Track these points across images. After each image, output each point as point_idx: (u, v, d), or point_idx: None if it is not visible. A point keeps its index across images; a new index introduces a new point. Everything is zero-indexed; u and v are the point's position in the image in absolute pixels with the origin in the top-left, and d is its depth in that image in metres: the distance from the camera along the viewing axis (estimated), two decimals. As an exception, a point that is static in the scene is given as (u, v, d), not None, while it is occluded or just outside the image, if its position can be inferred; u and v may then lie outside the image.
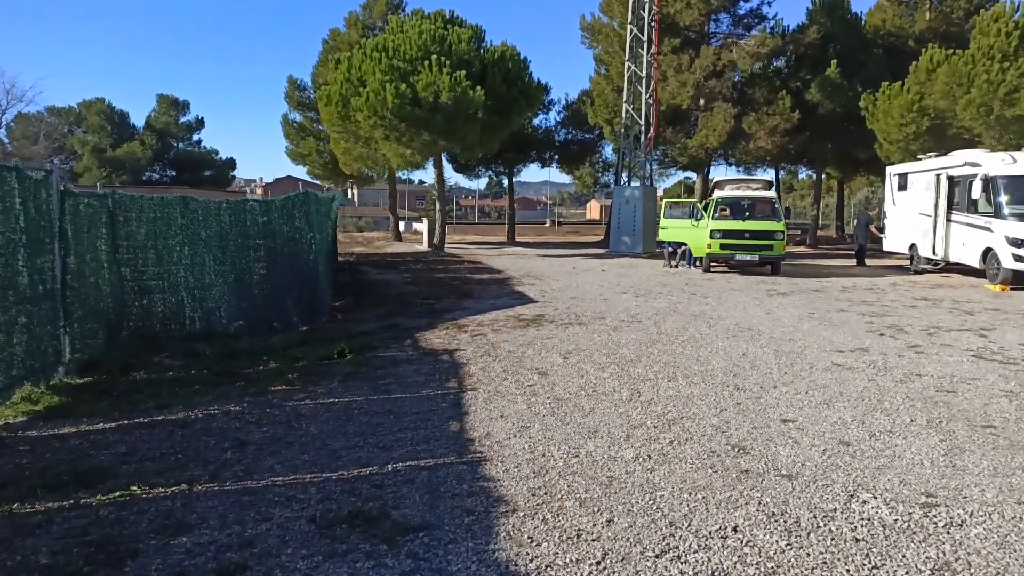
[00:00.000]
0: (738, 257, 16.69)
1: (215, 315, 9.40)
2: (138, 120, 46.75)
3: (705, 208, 17.80)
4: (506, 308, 11.02)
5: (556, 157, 33.86)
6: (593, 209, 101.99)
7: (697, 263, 18.29)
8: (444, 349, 8.00)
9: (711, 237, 16.77)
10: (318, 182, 31.69)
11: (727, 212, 17.48)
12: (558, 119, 33.02)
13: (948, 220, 16.56)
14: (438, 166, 24.00)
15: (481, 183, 76.29)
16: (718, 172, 35.16)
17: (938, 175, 17.02)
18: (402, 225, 40.97)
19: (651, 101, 23.40)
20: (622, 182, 24.52)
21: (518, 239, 33.87)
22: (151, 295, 8.88)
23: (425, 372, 6.85)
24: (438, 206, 24.17)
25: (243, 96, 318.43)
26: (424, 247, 25.99)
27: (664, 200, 20.39)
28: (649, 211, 22.97)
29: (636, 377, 6.40)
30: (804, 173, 53.75)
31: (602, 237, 36.34)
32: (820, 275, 17.29)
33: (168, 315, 9.01)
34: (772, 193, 17.80)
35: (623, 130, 24.35)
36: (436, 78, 19.88)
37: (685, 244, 18.56)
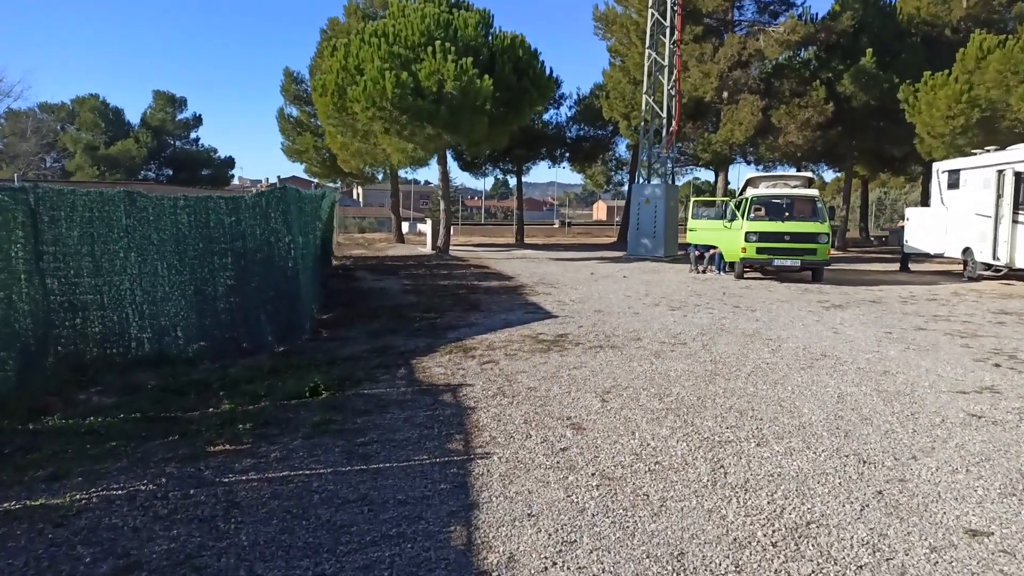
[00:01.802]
0: (777, 262, 14.92)
1: (169, 335, 7.73)
2: (133, 117, 45.32)
3: (738, 207, 16.04)
4: (521, 325, 9.30)
5: (567, 155, 32.16)
6: (600, 210, 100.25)
7: (728, 269, 16.55)
8: (446, 384, 6.29)
9: (746, 240, 15.02)
10: (316, 180, 30.03)
11: (762, 212, 15.73)
12: (569, 115, 31.41)
13: (1014, 221, 14.74)
14: (442, 163, 22.30)
15: (487, 183, 74.68)
16: (734, 172, 33.36)
17: (1000, 171, 15.19)
18: (406, 226, 39.31)
19: (673, 92, 21.62)
20: (641, 180, 22.71)
21: (527, 241, 32.18)
22: (86, 312, 7.22)
23: (420, 422, 5.15)
24: (442, 206, 22.46)
25: (250, 94, 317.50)
26: (428, 249, 24.33)
27: (692, 199, 18.61)
28: (671, 211, 21.19)
29: (709, 437, 4.67)
30: (817, 173, 51.82)
31: (615, 239, 34.61)
32: (867, 282, 15.50)
33: (108, 337, 7.35)
34: (814, 191, 16.01)
35: (642, 124, 22.56)
36: (440, 66, 18.20)
37: (715, 248, 16.81)
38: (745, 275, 15.88)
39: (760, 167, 37.02)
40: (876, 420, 4.97)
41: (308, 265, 10.35)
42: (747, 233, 15.00)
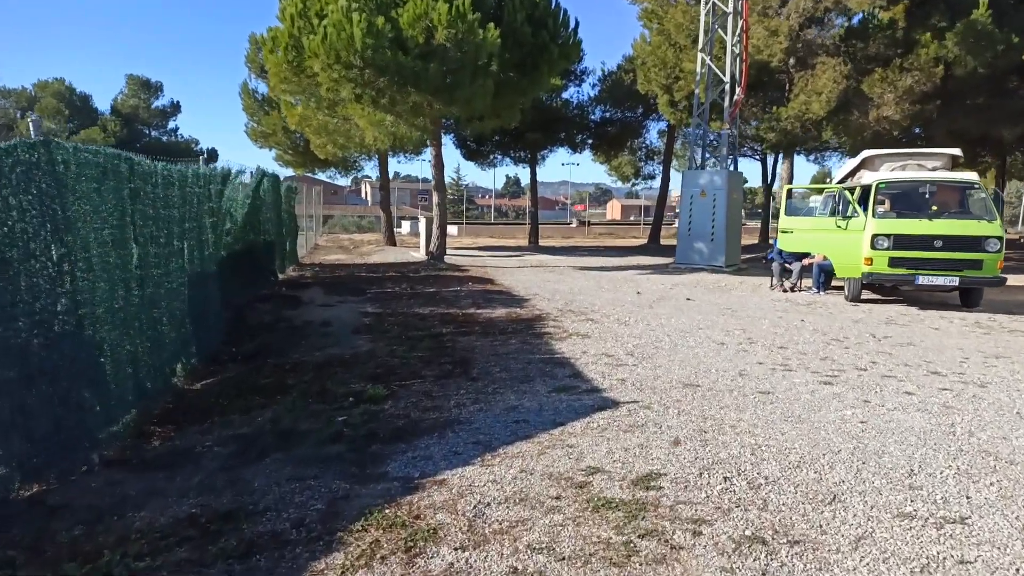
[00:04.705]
0: (922, 280, 9.98)
1: None
2: (103, 104, 41.03)
3: (852, 195, 11.09)
4: (547, 431, 4.47)
5: (589, 141, 27.27)
6: (614, 209, 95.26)
7: (825, 285, 11.76)
8: None
9: (874, 247, 10.13)
10: (292, 170, 25.23)
11: (887, 206, 10.83)
12: (593, 94, 26.47)
13: None
14: (436, 143, 17.41)
15: (497, 179, 69.83)
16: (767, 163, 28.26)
17: None
18: (406, 226, 34.61)
19: (738, 50, 16.62)
20: (693, 165, 17.64)
21: (542, 243, 27.34)
22: None
23: None
24: (435, 199, 17.60)
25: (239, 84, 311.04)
26: (420, 254, 19.56)
27: (785, 187, 13.63)
28: (734, 205, 16.19)
29: None
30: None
31: (644, 240, 29.73)
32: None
33: None
34: (973, 174, 11.03)
35: (697, 92, 17.54)
36: (429, 8, 13.40)
37: (810, 256, 11.94)
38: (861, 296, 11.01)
39: (812, 158, 31.89)
40: None
41: (154, 298, 5.59)
42: (876, 236, 10.11)
